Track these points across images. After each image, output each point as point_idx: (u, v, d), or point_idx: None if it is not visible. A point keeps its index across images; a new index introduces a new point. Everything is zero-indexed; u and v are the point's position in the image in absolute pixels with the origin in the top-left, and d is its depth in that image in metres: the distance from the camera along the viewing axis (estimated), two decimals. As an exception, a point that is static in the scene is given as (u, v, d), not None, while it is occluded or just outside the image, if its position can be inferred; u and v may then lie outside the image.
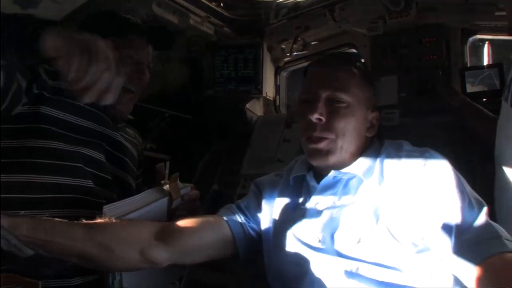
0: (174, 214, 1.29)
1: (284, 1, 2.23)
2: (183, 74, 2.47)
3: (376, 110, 1.20)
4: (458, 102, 1.69)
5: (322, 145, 1.11)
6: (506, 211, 1.20)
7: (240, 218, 1.23)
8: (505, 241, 0.90)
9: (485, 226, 0.93)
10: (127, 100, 1.42)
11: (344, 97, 1.11)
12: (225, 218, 1.22)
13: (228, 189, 2.12)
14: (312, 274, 1.05)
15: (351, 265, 1.01)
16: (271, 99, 2.43)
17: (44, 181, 1.21)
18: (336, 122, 1.10)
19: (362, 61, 1.23)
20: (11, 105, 1.13)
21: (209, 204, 1.94)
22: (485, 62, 1.98)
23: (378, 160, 1.12)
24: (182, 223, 1.17)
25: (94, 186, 1.30)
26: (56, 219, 1.01)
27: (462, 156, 1.60)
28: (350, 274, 1.00)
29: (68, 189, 1.24)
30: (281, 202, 1.22)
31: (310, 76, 1.22)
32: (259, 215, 1.25)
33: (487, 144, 1.39)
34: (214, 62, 2.29)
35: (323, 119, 1.10)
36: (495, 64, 1.77)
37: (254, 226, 1.24)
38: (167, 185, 1.31)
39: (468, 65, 1.94)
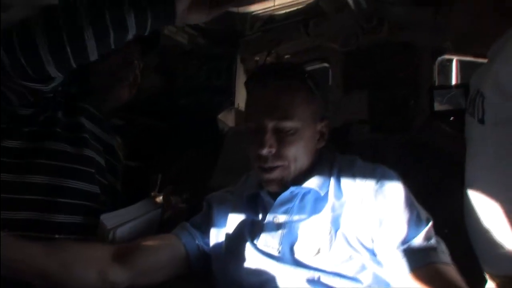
0: (164, 225, 1.32)
1: (259, 13, 2.24)
2: (155, 82, 2.44)
3: (325, 118, 1.18)
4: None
5: (275, 174, 1.10)
6: (475, 228, 1.22)
7: (194, 236, 1.22)
8: (439, 252, 0.95)
9: (426, 238, 0.97)
10: (118, 89, 1.40)
11: (290, 124, 1.08)
12: (180, 237, 1.20)
13: (198, 199, 2.09)
14: (273, 284, 1.04)
15: (312, 275, 1.02)
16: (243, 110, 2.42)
17: (63, 184, 1.20)
18: (287, 150, 1.09)
19: (305, 74, 1.18)
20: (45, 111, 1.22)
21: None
22: (453, 81, 2.04)
23: (333, 174, 1.12)
24: (139, 243, 1.15)
25: (99, 192, 1.28)
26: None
27: (429, 173, 1.64)
28: (311, 282, 1.01)
29: (81, 195, 1.23)
30: (235, 218, 1.20)
31: (253, 99, 1.18)
32: (211, 230, 1.23)
33: (453, 162, 1.42)
34: (187, 71, 2.27)
35: (273, 150, 1.08)
36: (462, 84, 1.82)
37: (208, 241, 1.23)
38: (159, 197, 1.37)
39: (437, 84, 1.99)
